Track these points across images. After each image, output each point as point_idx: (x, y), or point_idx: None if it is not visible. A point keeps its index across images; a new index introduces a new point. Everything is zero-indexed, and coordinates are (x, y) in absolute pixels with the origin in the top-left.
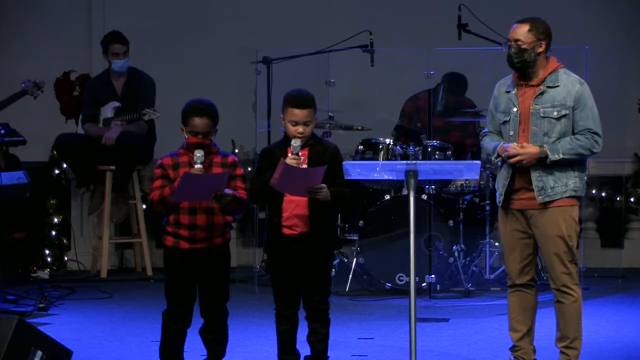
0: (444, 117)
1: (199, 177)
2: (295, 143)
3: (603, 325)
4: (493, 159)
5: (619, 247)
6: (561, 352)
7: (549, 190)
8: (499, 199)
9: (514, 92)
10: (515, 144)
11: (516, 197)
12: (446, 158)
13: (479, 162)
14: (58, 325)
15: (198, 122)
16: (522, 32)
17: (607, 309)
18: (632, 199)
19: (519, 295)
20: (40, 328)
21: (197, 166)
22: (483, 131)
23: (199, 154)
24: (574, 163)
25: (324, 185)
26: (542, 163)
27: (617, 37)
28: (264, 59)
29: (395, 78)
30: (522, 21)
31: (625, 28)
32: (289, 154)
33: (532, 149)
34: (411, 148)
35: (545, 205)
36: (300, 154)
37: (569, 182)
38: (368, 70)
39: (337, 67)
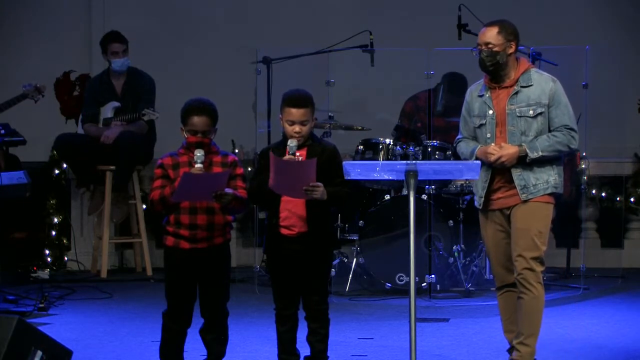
0: (444, 117)
1: (199, 176)
2: (292, 143)
3: (603, 325)
4: (471, 162)
5: (619, 247)
6: (514, 347)
7: (532, 188)
8: (479, 201)
9: (487, 95)
10: (493, 144)
11: (495, 197)
12: (446, 158)
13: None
14: (58, 325)
15: (197, 120)
16: (491, 35)
17: (607, 309)
18: (632, 199)
19: (508, 296)
20: (40, 328)
21: (197, 165)
22: (457, 138)
23: (199, 153)
24: (553, 160)
25: (319, 183)
26: (522, 161)
27: (617, 37)
28: (264, 59)
29: (395, 78)
30: (490, 24)
31: (625, 28)
32: (286, 154)
33: (511, 149)
34: (411, 148)
35: (525, 201)
36: (297, 154)
37: (550, 179)
38: (368, 70)
39: (337, 67)
